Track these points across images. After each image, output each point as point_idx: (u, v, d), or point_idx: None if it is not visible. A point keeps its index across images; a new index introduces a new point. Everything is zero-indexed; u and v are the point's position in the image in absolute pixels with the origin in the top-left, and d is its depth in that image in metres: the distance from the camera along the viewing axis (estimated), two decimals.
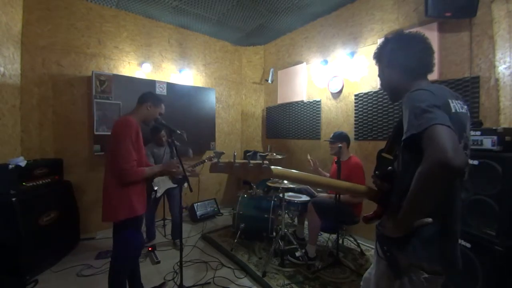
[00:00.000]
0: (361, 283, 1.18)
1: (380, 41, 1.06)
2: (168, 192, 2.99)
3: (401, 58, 0.97)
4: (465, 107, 0.90)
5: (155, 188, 2.91)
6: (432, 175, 0.71)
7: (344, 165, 2.52)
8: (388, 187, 0.96)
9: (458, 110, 0.84)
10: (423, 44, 0.95)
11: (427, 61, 0.96)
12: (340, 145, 2.49)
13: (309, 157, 2.86)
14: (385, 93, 1.15)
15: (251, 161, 0.86)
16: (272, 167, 0.85)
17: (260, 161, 0.86)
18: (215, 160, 0.88)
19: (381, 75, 1.07)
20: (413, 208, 0.79)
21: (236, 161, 0.86)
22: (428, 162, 0.71)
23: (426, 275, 0.85)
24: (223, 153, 0.90)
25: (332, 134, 2.68)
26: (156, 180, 2.91)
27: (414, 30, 1.07)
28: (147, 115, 1.79)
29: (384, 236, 0.95)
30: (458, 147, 0.71)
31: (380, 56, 1.05)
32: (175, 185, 2.98)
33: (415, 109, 0.78)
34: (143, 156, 1.77)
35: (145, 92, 1.86)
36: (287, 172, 0.93)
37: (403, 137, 0.80)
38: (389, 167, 1.00)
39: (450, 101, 0.83)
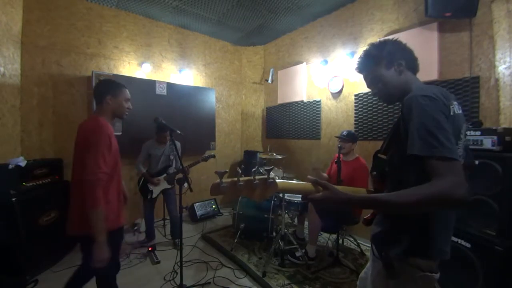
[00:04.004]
0: (358, 282, 1.19)
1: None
2: (164, 191, 2.99)
3: (402, 56, 0.98)
4: (460, 107, 0.90)
5: (151, 189, 2.91)
6: (432, 203, 0.72)
7: (349, 165, 2.52)
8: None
9: (456, 112, 0.84)
10: (410, 49, 1.01)
11: (417, 63, 1.01)
12: (339, 145, 2.50)
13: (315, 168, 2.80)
14: (377, 98, 1.10)
15: (256, 177, 0.79)
16: (278, 181, 0.80)
17: (265, 176, 0.80)
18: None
19: (379, 77, 1.01)
20: (392, 208, 0.80)
21: (240, 179, 0.79)
22: (431, 191, 0.70)
23: (421, 273, 0.85)
24: (226, 172, 0.81)
25: (346, 132, 2.59)
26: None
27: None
28: (114, 110, 1.53)
29: (378, 236, 0.96)
30: (463, 181, 0.70)
31: (374, 60, 1.01)
32: (171, 186, 2.98)
33: (420, 126, 0.77)
34: (117, 163, 1.49)
35: (97, 84, 1.57)
36: (291, 185, 0.89)
37: (408, 152, 0.78)
38: (386, 168, 1.00)
39: (449, 103, 0.83)
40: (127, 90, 1.58)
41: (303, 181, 0.97)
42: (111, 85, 1.53)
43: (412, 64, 0.99)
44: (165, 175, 2.98)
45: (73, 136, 1.43)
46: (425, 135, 0.75)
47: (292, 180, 2.56)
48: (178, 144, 3.02)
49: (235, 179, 0.80)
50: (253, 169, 0.83)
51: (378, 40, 1.05)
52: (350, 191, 0.98)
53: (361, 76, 1.09)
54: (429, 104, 0.79)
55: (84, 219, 1.30)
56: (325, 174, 2.83)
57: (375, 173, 1.05)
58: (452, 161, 0.72)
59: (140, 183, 3.00)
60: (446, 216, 0.88)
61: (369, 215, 1.08)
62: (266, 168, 0.83)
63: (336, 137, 2.72)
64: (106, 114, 1.50)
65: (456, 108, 0.85)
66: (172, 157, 3.02)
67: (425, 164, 0.75)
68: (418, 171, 0.78)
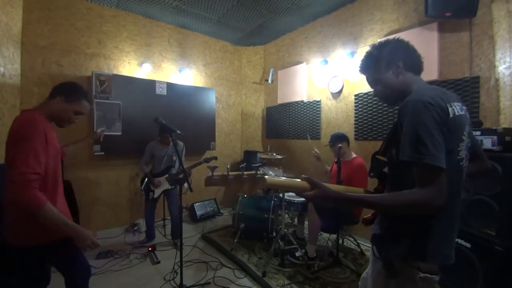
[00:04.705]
0: (359, 283, 1.19)
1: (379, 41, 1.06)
2: (166, 192, 3.00)
3: (401, 57, 0.97)
4: (464, 108, 0.90)
5: (152, 189, 2.92)
6: (412, 209, 0.78)
7: (347, 165, 2.51)
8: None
9: (456, 113, 0.84)
10: (414, 48, 1.00)
11: (421, 62, 1.00)
12: (340, 145, 2.49)
13: (315, 150, 2.84)
14: (378, 99, 1.11)
15: (245, 172, 0.86)
16: (266, 176, 0.85)
17: (253, 172, 0.85)
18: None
19: (378, 79, 1.02)
20: (377, 209, 0.88)
21: (230, 173, 0.86)
22: (412, 199, 0.76)
23: (422, 275, 0.85)
24: (216, 166, 0.91)
25: (330, 138, 2.66)
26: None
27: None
28: (56, 113, 1.31)
29: (378, 237, 0.96)
30: (443, 192, 0.74)
31: (374, 61, 1.02)
32: (172, 187, 2.98)
33: (411, 132, 0.79)
34: (56, 165, 1.29)
35: (63, 82, 1.36)
36: (280, 181, 0.94)
37: (399, 157, 0.82)
38: (384, 169, 1.00)
39: (448, 105, 0.82)
40: (85, 104, 1.37)
41: None
42: (73, 90, 1.33)
43: (412, 64, 0.98)
44: (167, 175, 2.98)
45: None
46: (415, 142, 0.77)
47: None
48: (181, 144, 3.03)
49: (225, 173, 0.86)
50: (241, 165, 0.89)
51: (378, 40, 1.06)
52: (346, 190, 0.98)
53: (361, 76, 1.10)
54: (422, 110, 0.79)
55: (32, 227, 1.13)
56: (327, 166, 2.85)
57: (372, 174, 1.06)
58: (437, 170, 0.74)
59: (144, 183, 3.02)
60: (448, 218, 0.87)
61: (369, 215, 1.08)
62: (254, 165, 0.90)
63: (325, 146, 2.81)
64: (46, 112, 1.28)
65: (457, 109, 0.84)
66: (175, 158, 3.03)
67: (413, 169, 0.78)
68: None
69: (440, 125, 0.78)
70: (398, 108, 0.88)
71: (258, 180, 0.84)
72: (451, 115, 0.81)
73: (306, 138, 3.93)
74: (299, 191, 0.88)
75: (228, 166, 0.92)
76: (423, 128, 0.77)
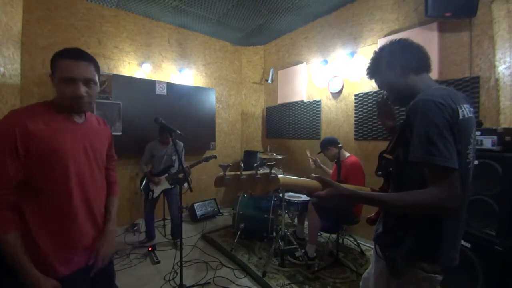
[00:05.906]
0: (360, 283, 1.19)
1: (380, 41, 1.06)
2: (166, 192, 3.00)
3: (401, 58, 0.96)
4: (472, 110, 0.88)
5: (152, 188, 2.92)
6: (425, 209, 0.77)
7: (342, 165, 2.52)
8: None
9: (466, 116, 0.82)
10: (419, 46, 0.98)
11: (426, 60, 0.97)
12: (340, 145, 2.49)
13: (308, 155, 2.87)
14: (392, 103, 1.11)
15: (258, 172, 0.81)
16: (279, 176, 0.82)
17: (267, 171, 0.82)
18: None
19: (383, 83, 1.03)
20: (389, 208, 0.84)
21: (243, 172, 0.81)
22: (426, 199, 0.75)
23: (425, 274, 0.85)
24: (229, 165, 0.83)
25: (320, 146, 2.72)
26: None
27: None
28: (58, 95, 0.99)
29: (382, 236, 0.95)
30: (457, 192, 0.73)
31: (377, 65, 1.02)
32: (172, 186, 2.99)
33: (422, 133, 0.77)
34: (54, 171, 0.95)
35: None
36: (292, 181, 0.90)
37: (409, 158, 0.80)
38: (391, 168, 1.00)
39: (458, 107, 0.80)
40: (61, 64, 0.94)
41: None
42: (52, 57, 0.98)
43: (414, 65, 0.95)
44: (166, 175, 2.98)
45: None
46: (426, 142, 0.75)
47: None
48: (181, 144, 3.03)
49: (238, 172, 0.82)
50: (255, 164, 0.85)
51: (379, 41, 1.06)
52: (354, 188, 0.98)
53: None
54: (432, 110, 0.77)
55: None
56: (329, 170, 2.85)
57: (380, 172, 1.05)
58: (450, 170, 0.73)
59: (143, 182, 3.02)
60: (455, 220, 0.86)
61: (373, 214, 1.08)
62: (268, 163, 0.85)
63: (318, 154, 2.82)
64: (55, 101, 1.01)
65: (466, 112, 0.83)
66: (174, 157, 3.03)
67: (424, 170, 0.77)
68: (423, 173, 0.78)
69: (451, 125, 0.77)
70: (408, 107, 0.87)
71: (272, 180, 0.80)
72: (460, 117, 0.80)
73: (306, 139, 3.93)
74: (310, 191, 0.85)
75: (242, 164, 0.88)
76: (433, 128, 0.75)
